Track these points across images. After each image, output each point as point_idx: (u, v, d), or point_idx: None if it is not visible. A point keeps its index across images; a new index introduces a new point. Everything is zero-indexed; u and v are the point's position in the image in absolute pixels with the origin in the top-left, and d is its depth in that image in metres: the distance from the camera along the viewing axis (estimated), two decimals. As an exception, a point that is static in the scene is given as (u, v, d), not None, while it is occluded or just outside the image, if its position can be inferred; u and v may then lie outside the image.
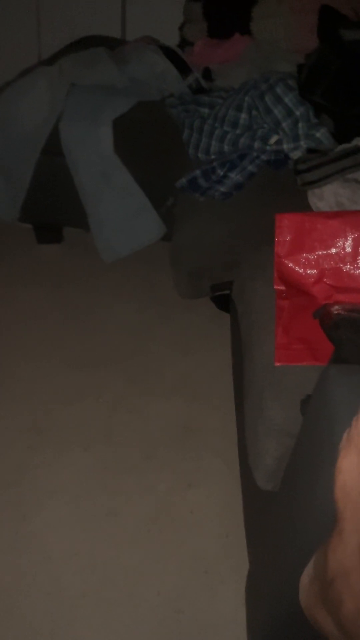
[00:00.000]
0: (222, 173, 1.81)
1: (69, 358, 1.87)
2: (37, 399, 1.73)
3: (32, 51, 2.96)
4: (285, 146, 1.81)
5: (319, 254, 1.25)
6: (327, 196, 1.61)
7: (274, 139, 1.83)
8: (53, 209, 2.24)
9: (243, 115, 1.92)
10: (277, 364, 1.13)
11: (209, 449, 1.61)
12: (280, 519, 0.94)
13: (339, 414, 0.72)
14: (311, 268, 1.25)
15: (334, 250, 1.24)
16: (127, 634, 1.23)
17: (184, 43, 2.63)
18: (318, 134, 1.80)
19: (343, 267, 1.23)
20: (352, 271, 1.22)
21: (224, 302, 1.91)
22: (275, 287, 1.29)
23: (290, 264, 1.26)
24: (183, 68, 2.33)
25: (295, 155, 1.81)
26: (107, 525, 1.42)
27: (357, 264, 1.22)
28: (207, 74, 2.37)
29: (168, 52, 2.35)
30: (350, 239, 1.23)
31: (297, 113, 1.82)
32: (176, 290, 1.92)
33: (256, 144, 1.85)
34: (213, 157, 1.94)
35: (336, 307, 1.10)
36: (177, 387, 1.79)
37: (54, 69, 2.13)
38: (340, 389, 0.76)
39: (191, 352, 1.92)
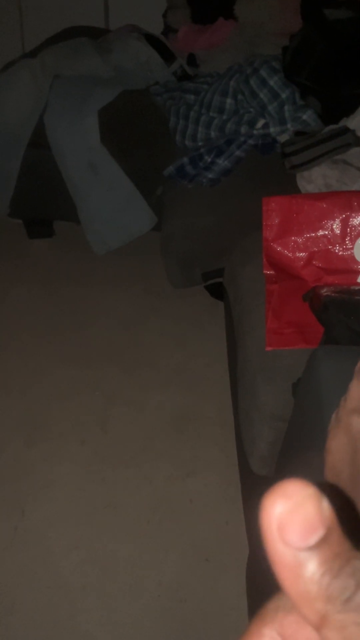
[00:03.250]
0: (209, 159, 1.79)
1: (64, 352, 1.86)
2: (32, 394, 1.72)
3: (15, 44, 2.93)
4: (272, 130, 1.80)
5: (307, 236, 1.23)
6: (316, 178, 1.59)
7: (260, 123, 1.81)
8: (42, 203, 2.22)
9: (229, 100, 1.89)
10: (268, 349, 1.12)
11: (206, 438, 1.60)
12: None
13: (327, 395, 0.71)
14: (300, 251, 1.24)
15: (322, 232, 1.23)
16: (129, 626, 1.23)
17: (168, 30, 2.59)
18: (305, 116, 1.78)
19: (332, 249, 1.22)
20: (341, 252, 1.21)
21: (217, 291, 1.89)
22: (264, 271, 1.28)
23: (279, 248, 1.25)
24: (167, 55, 2.30)
25: (283, 138, 1.79)
26: (107, 518, 1.41)
27: (346, 245, 1.21)
28: (192, 60, 2.34)
29: (152, 40, 2.33)
30: (338, 220, 1.21)
31: (283, 96, 1.80)
32: (168, 280, 1.91)
33: (243, 129, 1.83)
34: (200, 143, 1.92)
35: (325, 289, 1.09)
36: (173, 378, 1.79)
37: (37, 62, 2.11)
38: (328, 370, 0.75)
39: (186, 342, 1.91)
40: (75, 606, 1.25)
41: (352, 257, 1.20)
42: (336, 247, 1.22)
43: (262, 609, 0.20)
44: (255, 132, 1.81)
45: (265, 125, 1.81)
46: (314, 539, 0.17)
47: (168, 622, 1.24)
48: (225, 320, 1.64)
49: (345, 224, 1.21)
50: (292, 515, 0.17)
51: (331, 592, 0.17)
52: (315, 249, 1.23)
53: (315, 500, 0.17)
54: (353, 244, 1.21)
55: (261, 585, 1.01)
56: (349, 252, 1.21)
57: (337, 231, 1.22)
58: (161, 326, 1.97)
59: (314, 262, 1.22)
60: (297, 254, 1.24)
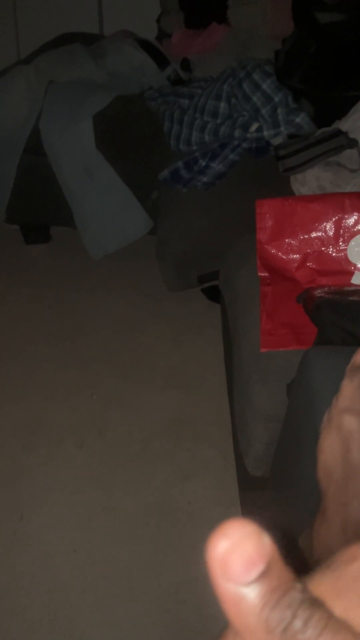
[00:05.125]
0: (204, 163, 1.80)
1: (61, 356, 1.87)
2: (30, 398, 1.73)
3: (10, 51, 2.94)
4: (265, 133, 1.81)
5: (301, 238, 1.24)
6: (309, 181, 1.60)
7: (254, 126, 1.82)
8: (39, 208, 2.23)
9: (222, 104, 1.91)
10: (263, 350, 1.12)
11: (204, 439, 1.61)
12: (272, 504, 0.94)
13: (320, 395, 0.72)
14: (294, 253, 1.24)
15: (315, 234, 1.23)
16: (128, 628, 1.23)
17: (162, 35, 2.61)
18: (298, 119, 1.79)
19: (325, 250, 1.22)
20: (334, 254, 1.22)
21: (214, 293, 1.90)
22: (258, 273, 1.29)
23: (273, 250, 1.26)
24: (161, 60, 2.32)
25: (276, 141, 1.80)
26: (105, 521, 1.42)
27: (339, 246, 1.22)
28: (186, 65, 2.35)
29: (145, 45, 2.34)
30: (332, 222, 1.22)
31: (276, 99, 1.81)
32: (164, 283, 1.92)
33: (237, 133, 1.84)
34: (194, 147, 1.93)
35: (319, 290, 1.10)
36: (170, 380, 1.79)
37: (31, 68, 2.12)
38: (320, 370, 0.75)
39: (183, 345, 1.92)
40: (74, 609, 1.26)
41: (346, 259, 1.21)
42: (330, 248, 1.22)
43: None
44: (249, 135, 1.83)
45: (259, 129, 1.82)
46: (253, 573, 0.18)
47: (167, 624, 1.25)
48: (221, 322, 1.65)
49: (338, 225, 1.22)
50: (232, 553, 0.18)
51: (270, 623, 0.18)
52: (309, 251, 1.23)
53: (255, 537, 0.19)
54: (346, 245, 1.22)
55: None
56: (342, 254, 1.22)
57: (331, 233, 1.23)
58: (158, 329, 1.98)
59: (308, 264, 1.23)
60: (291, 256, 1.24)
